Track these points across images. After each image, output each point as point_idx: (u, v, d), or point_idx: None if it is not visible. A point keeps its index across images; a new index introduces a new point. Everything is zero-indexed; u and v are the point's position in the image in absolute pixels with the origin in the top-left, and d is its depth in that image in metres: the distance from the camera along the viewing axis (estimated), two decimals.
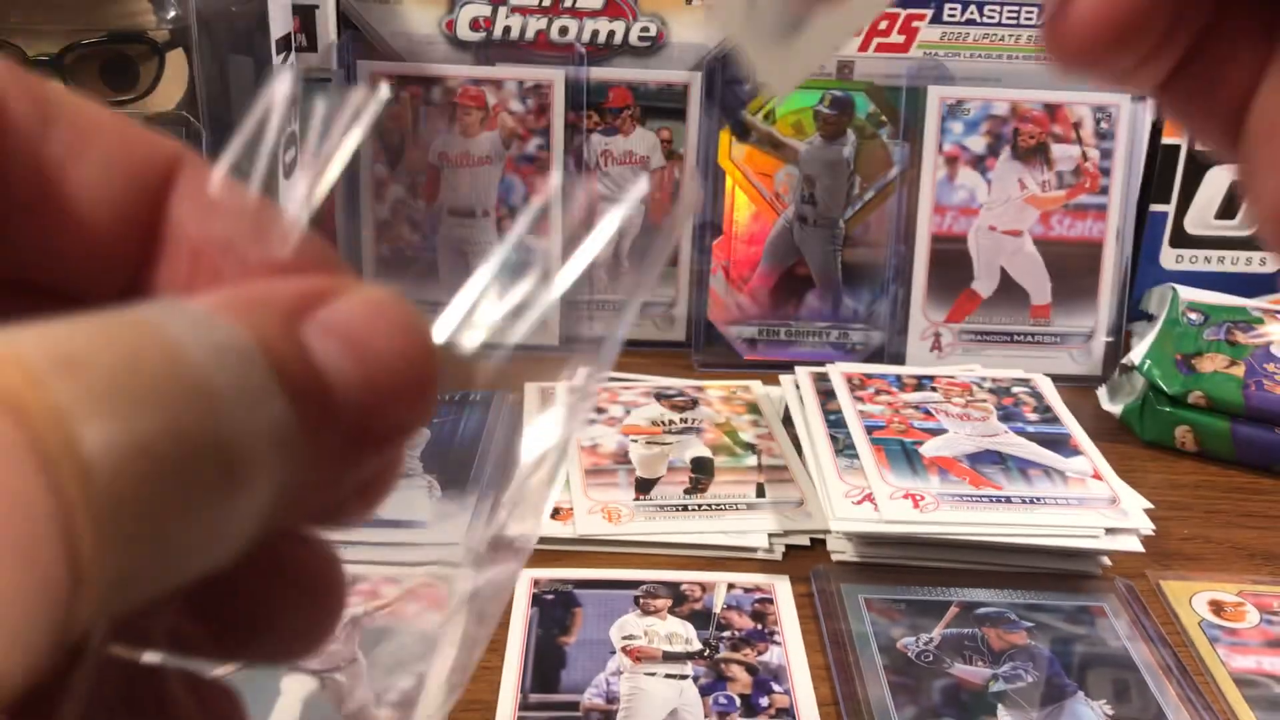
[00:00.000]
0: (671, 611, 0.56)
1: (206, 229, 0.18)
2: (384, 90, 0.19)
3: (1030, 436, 0.67)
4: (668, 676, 0.52)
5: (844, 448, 0.65)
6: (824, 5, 0.17)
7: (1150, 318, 0.81)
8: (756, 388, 0.77)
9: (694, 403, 0.74)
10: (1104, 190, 0.82)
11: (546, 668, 0.52)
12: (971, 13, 0.82)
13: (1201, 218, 0.86)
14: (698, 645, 0.54)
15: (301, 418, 0.14)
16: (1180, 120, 0.22)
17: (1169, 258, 0.87)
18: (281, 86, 0.18)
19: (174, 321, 0.13)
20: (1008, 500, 0.61)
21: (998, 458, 0.65)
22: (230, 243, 0.18)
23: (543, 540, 0.61)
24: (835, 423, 0.68)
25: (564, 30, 0.82)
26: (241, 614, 0.18)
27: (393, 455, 0.18)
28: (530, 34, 0.82)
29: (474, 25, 0.82)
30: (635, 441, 0.69)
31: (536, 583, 0.58)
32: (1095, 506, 0.61)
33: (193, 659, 0.18)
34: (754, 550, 0.61)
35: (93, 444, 0.12)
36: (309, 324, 0.15)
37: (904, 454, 0.64)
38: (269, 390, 0.13)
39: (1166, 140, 0.84)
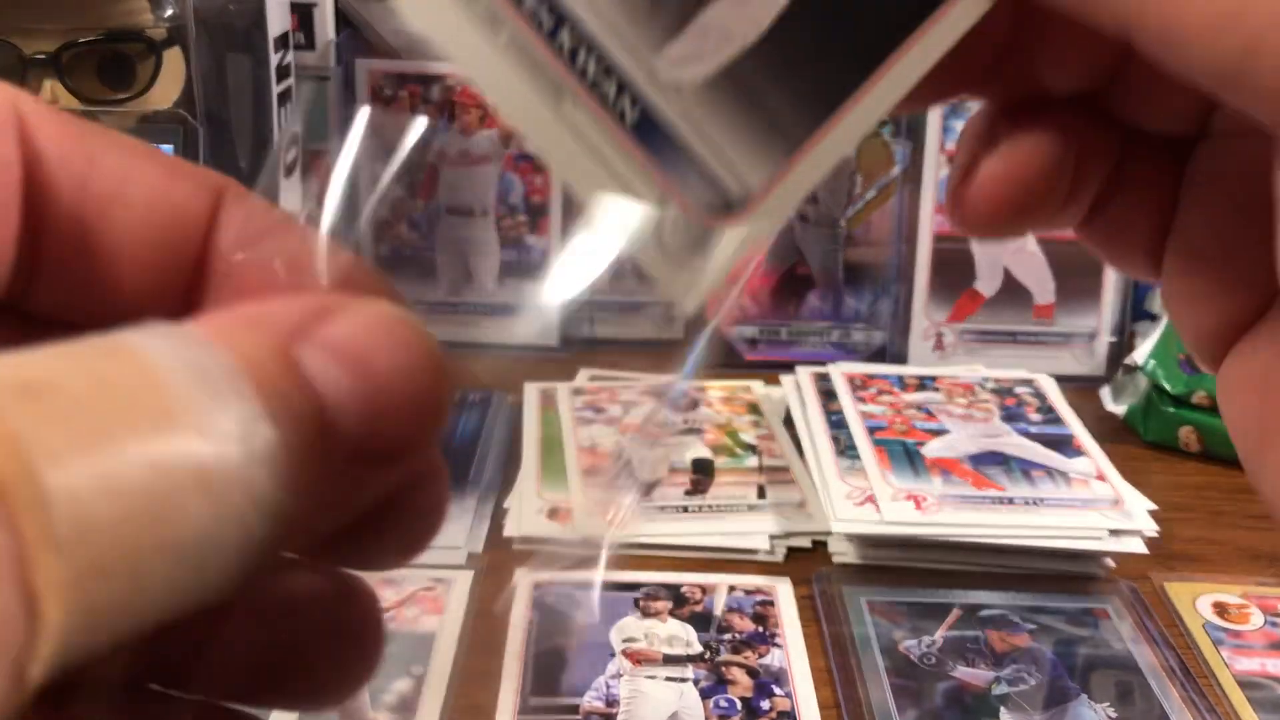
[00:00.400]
0: (672, 614, 0.56)
1: (250, 260, 0.18)
2: (421, 121, 0.19)
3: (1033, 437, 0.67)
4: (668, 679, 0.52)
5: (845, 448, 0.65)
6: (725, 223, 0.17)
7: (1154, 317, 0.80)
8: (757, 388, 0.76)
9: (694, 403, 0.74)
10: None
11: (546, 670, 0.52)
12: None
13: None
14: (698, 648, 0.54)
15: (292, 436, 0.13)
16: (1101, 255, 0.22)
17: None
18: (360, 124, 0.18)
19: (151, 343, 0.13)
20: (1010, 502, 0.61)
21: (1000, 459, 0.64)
22: (273, 273, 0.17)
23: (541, 541, 0.60)
24: (837, 423, 0.67)
25: None
26: (280, 660, 0.17)
27: (434, 496, 0.18)
28: None
29: None
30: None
31: (536, 585, 0.57)
32: (1099, 508, 0.60)
33: (230, 703, 0.18)
34: (755, 552, 0.60)
35: (54, 474, 0.11)
36: (305, 343, 0.14)
37: (906, 455, 0.64)
38: (253, 410, 0.13)
39: None
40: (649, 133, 0.17)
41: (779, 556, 0.61)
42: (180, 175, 0.18)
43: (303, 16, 0.78)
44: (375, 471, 0.15)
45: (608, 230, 0.17)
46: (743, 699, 0.51)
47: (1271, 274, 0.19)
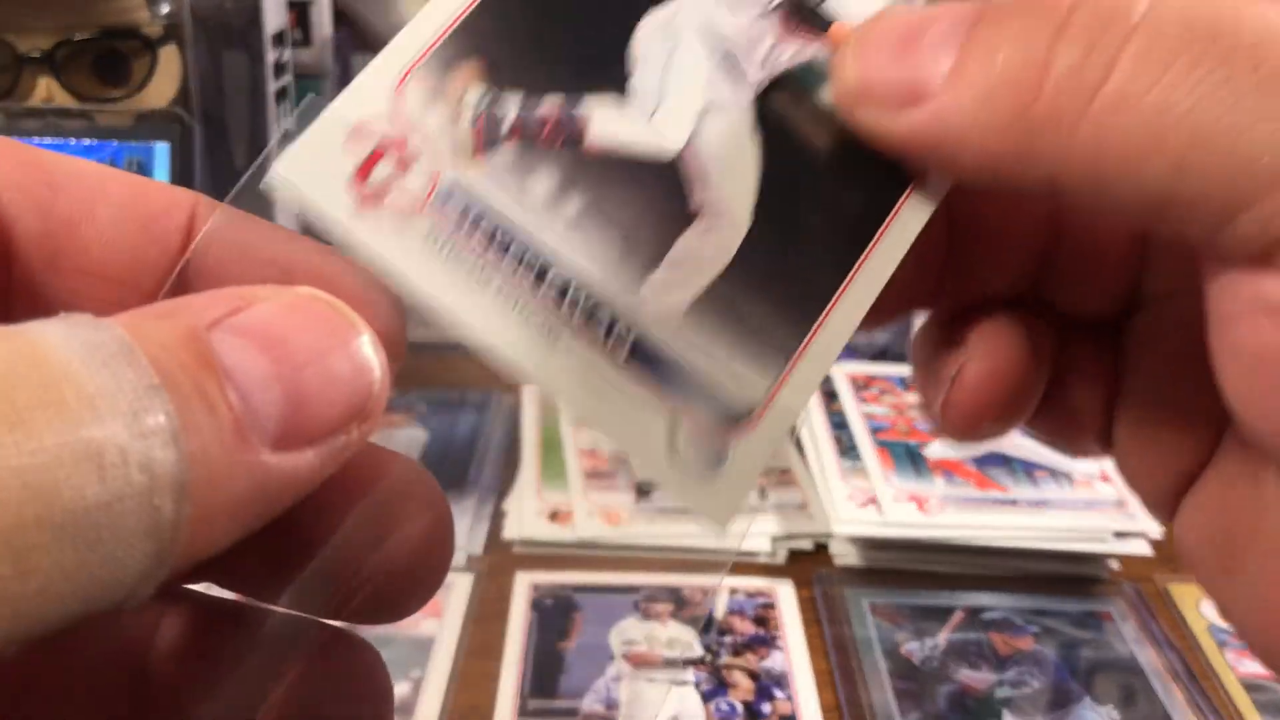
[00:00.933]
0: (673, 616, 0.55)
1: (231, 272, 0.18)
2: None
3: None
4: (669, 683, 0.51)
5: (847, 449, 0.65)
6: (738, 435, 0.18)
7: None
8: None
9: None
10: None
11: (545, 673, 0.51)
12: None
13: None
14: (699, 651, 0.53)
15: (202, 417, 0.13)
16: (1052, 444, 0.23)
17: None
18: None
19: (45, 327, 0.13)
20: (1013, 503, 0.60)
21: (1003, 460, 0.64)
22: (253, 277, 0.17)
23: (541, 544, 0.60)
24: (839, 424, 0.67)
25: None
26: None
27: (425, 525, 0.18)
28: None
29: None
30: None
31: (535, 588, 0.57)
32: (1102, 509, 0.60)
33: None
34: (756, 554, 0.60)
35: None
36: (218, 329, 0.14)
37: (908, 456, 0.64)
38: (148, 385, 0.13)
39: None
40: (646, 358, 0.18)
41: (780, 559, 0.60)
42: (149, 191, 0.18)
43: (300, 13, 0.77)
44: (313, 450, 0.15)
45: (625, 452, 0.18)
46: (744, 702, 0.50)
47: (1216, 419, 0.19)
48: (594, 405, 0.17)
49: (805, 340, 0.18)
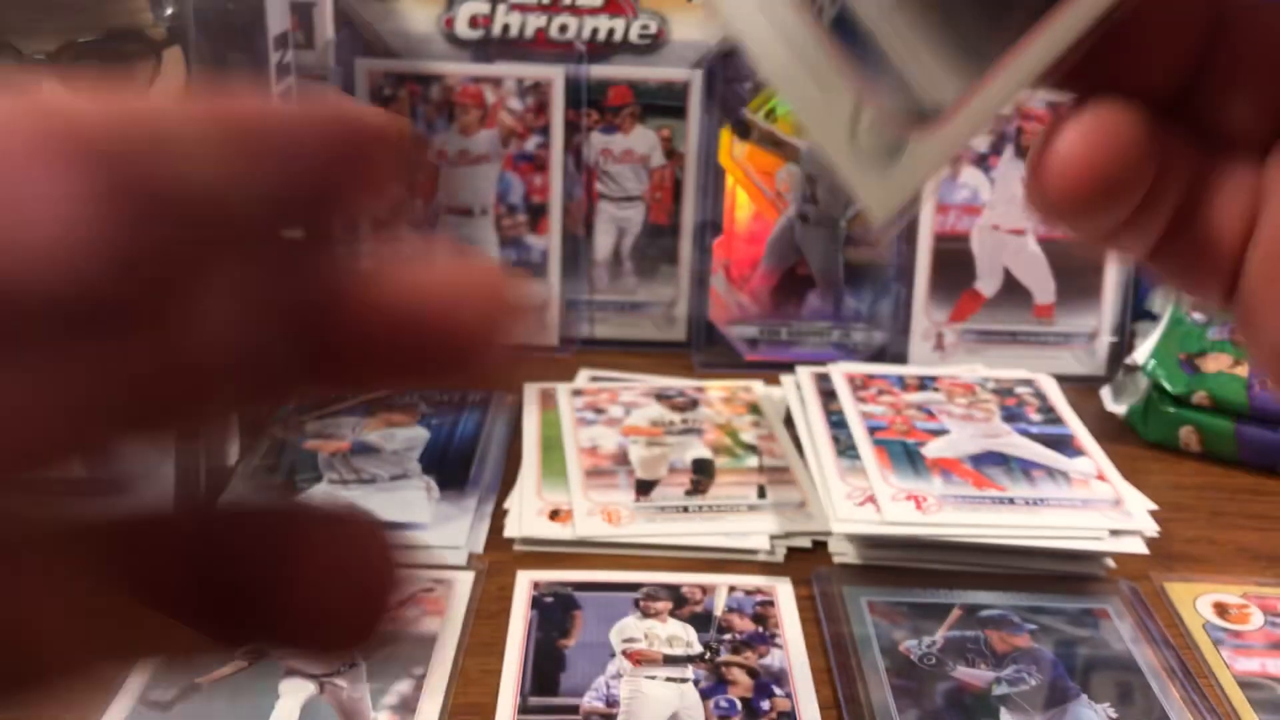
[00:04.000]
0: (672, 614, 0.55)
1: None
2: None
3: (1034, 437, 0.67)
4: (668, 680, 0.52)
5: (846, 448, 0.65)
6: (920, 131, 0.18)
7: (1154, 317, 0.80)
8: (757, 388, 0.76)
9: (694, 403, 0.74)
10: None
11: (545, 671, 0.52)
12: None
13: None
14: (698, 648, 0.53)
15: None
16: (1173, 283, 0.21)
17: None
18: None
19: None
20: (1011, 502, 0.61)
21: (1001, 459, 0.64)
22: None
23: (541, 542, 0.60)
24: (837, 423, 0.67)
25: (563, 28, 0.81)
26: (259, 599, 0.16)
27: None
28: (529, 32, 0.81)
29: (473, 23, 0.81)
30: (635, 442, 0.68)
31: (536, 585, 0.57)
32: (1099, 508, 0.60)
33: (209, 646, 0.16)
34: (755, 552, 0.60)
35: None
36: None
37: (906, 455, 0.64)
38: None
39: None
40: (846, 31, 0.18)
41: (779, 557, 0.60)
42: None
43: (302, 16, 0.78)
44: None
45: (804, 123, 0.18)
46: (743, 699, 0.51)
47: None
48: (788, 66, 0.17)
49: (1006, 58, 0.18)
